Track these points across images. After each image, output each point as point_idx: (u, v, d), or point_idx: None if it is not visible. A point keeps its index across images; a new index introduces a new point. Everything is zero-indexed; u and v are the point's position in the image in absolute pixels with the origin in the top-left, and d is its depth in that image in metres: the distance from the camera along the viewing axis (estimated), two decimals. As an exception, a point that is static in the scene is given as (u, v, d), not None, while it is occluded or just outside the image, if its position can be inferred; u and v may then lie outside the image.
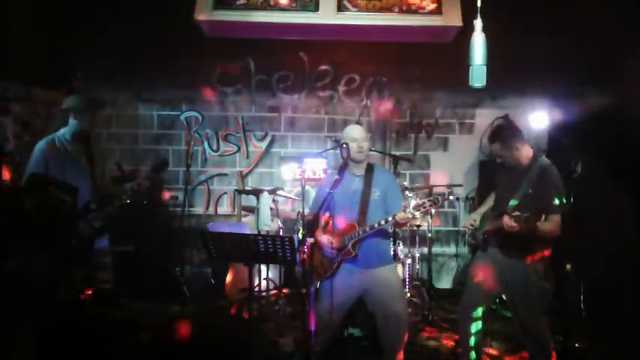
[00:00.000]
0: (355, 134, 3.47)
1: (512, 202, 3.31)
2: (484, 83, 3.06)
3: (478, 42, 3.04)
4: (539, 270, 3.42)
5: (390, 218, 3.23)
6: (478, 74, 3.05)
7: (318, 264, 3.46)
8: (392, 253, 4.02)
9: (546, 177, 3.34)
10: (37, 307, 3.16)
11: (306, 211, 3.58)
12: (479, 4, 3.06)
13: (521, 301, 3.41)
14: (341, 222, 3.45)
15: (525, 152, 3.43)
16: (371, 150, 5.16)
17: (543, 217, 3.06)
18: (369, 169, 3.53)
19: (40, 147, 3.62)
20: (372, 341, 3.95)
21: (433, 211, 3.22)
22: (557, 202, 3.24)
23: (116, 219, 3.73)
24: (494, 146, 3.46)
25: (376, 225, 3.27)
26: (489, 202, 3.71)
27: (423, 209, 3.14)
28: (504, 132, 3.50)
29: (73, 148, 3.68)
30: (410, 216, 3.16)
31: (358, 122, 5.88)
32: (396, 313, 3.36)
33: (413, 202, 3.14)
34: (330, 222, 3.51)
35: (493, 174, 3.80)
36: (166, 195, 5.81)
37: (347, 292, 3.40)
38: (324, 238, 3.43)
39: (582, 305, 4.20)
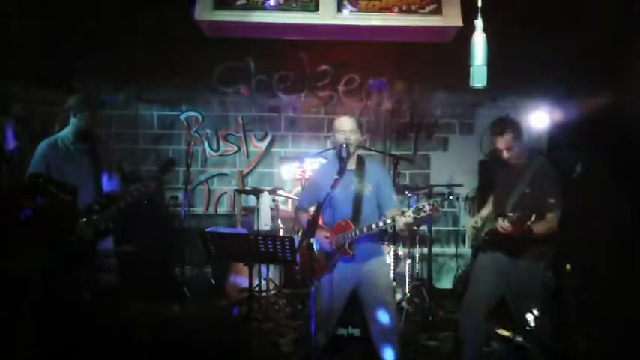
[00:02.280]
0: (342, 126, 3.40)
1: (510, 202, 3.32)
2: (485, 83, 3.06)
3: (479, 42, 3.04)
4: (540, 270, 3.43)
5: (388, 221, 3.22)
6: (479, 74, 3.05)
7: (315, 261, 3.45)
8: (384, 247, 3.95)
9: (542, 175, 3.35)
10: (38, 307, 3.16)
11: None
12: (479, 4, 3.06)
13: (522, 301, 3.42)
14: (336, 218, 3.43)
15: (524, 149, 3.43)
16: (371, 150, 5.16)
17: (533, 217, 3.05)
18: (360, 162, 3.48)
19: (41, 147, 3.62)
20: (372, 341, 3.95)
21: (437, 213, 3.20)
22: (553, 200, 3.24)
23: (117, 219, 3.72)
24: (506, 137, 3.37)
25: (374, 226, 3.26)
26: (490, 203, 3.70)
27: (423, 214, 3.13)
28: (515, 123, 3.46)
29: (75, 149, 3.67)
30: (410, 220, 3.15)
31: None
32: (385, 302, 3.38)
33: (412, 207, 3.14)
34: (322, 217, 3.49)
35: (493, 174, 3.80)
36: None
37: (342, 286, 3.41)
38: (322, 236, 3.42)
39: (582, 305, 4.21)
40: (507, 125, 3.42)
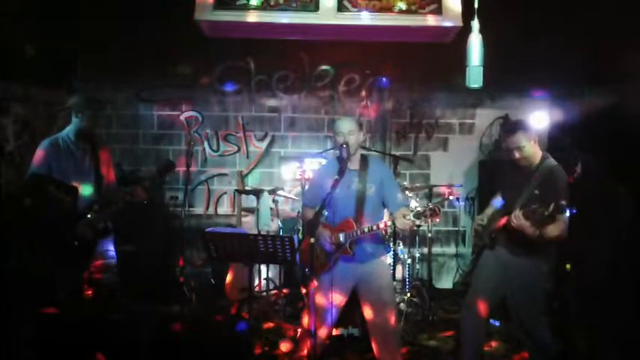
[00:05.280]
0: (342, 127, 3.39)
1: (519, 202, 3.30)
2: (481, 84, 3.08)
3: (475, 43, 3.06)
4: (543, 270, 3.41)
5: (389, 223, 3.23)
6: (475, 75, 3.07)
7: (315, 260, 3.45)
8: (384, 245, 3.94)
9: (552, 179, 3.30)
10: (38, 307, 3.16)
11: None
12: (476, 5, 3.07)
13: (523, 301, 3.41)
14: (338, 217, 3.43)
15: (537, 150, 3.41)
16: (371, 150, 5.16)
17: (552, 207, 3.02)
18: (364, 162, 3.48)
19: (42, 147, 3.62)
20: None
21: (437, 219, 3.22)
22: (561, 205, 3.19)
23: (116, 219, 3.72)
24: (517, 136, 3.31)
25: (374, 227, 3.27)
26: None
27: (423, 218, 3.14)
28: (525, 122, 3.42)
29: (77, 148, 3.68)
30: (410, 223, 3.16)
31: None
32: (385, 302, 3.38)
33: (413, 210, 3.14)
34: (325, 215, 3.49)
35: (495, 174, 3.79)
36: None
37: (342, 285, 3.40)
38: (323, 234, 3.42)
39: (582, 306, 4.20)
40: (518, 124, 3.40)
